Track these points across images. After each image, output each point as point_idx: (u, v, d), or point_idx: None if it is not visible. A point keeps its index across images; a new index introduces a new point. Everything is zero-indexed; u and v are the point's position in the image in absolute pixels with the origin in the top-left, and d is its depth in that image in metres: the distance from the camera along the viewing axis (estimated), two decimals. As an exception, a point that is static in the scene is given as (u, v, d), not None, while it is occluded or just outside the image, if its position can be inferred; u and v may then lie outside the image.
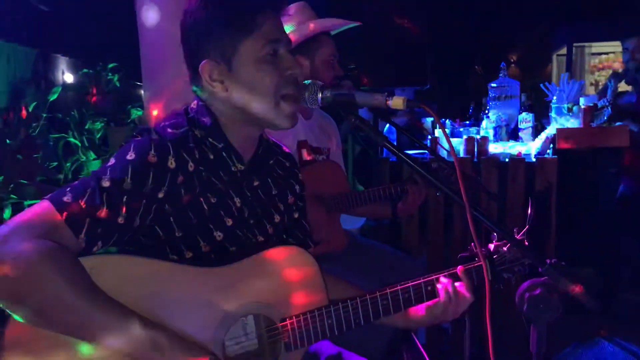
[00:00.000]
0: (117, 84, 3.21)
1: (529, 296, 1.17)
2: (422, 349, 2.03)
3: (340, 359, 1.55)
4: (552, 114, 3.13)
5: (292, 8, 2.25)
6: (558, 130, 2.92)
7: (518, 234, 1.39)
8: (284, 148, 1.53)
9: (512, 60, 8.24)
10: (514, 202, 3.01)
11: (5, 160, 2.32)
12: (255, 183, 1.37)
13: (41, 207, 1.07)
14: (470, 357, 2.42)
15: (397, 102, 1.15)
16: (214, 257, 1.28)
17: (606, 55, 8.60)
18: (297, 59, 2.20)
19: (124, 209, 1.11)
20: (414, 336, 2.17)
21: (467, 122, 3.78)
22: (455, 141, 3.35)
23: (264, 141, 1.40)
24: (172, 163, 1.18)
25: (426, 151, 3.11)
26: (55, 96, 2.77)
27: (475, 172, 3.05)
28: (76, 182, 1.13)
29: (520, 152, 3.10)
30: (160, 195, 1.17)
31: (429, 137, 3.36)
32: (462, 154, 3.14)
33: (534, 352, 1.19)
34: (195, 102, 1.31)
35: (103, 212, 1.09)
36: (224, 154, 1.29)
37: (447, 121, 4.06)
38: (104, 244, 1.10)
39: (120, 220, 1.11)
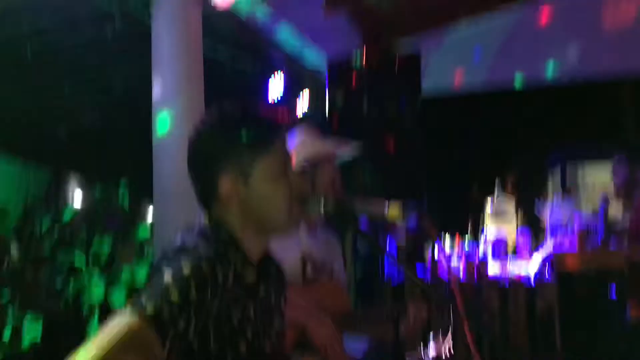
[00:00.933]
0: (127, 202, 3.32)
1: None
2: None
3: None
4: (547, 233, 3.20)
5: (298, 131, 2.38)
6: (555, 256, 2.98)
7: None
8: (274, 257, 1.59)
9: (508, 178, 8.44)
10: (517, 325, 2.99)
11: (14, 273, 2.36)
12: (262, 293, 1.40)
13: (126, 320, 1.07)
14: None
15: (392, 212, 1.22)
16: None
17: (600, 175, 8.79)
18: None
19: (194, 320, 1.14)
20: None
21: (467, 242, 3.83)
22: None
23: (268, 251, 1.45)
24: (219, 276, 1.20)
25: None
26: (68, 218, 2.87)
27: (476, 295, 3.06)
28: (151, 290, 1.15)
29: (520, 276, 3.12)
30: (215, 310, 1.20)
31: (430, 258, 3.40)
32: (462, 276, 3.17)
33: None
34: (206, 218, 1.34)
35: (181, 324, 1.11)
36: (241, 269, 1.33)
37: (447, 235, 4.07)
38: (177, 355, 1.12)
39: (191, 331, 1.14)
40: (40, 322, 2.55)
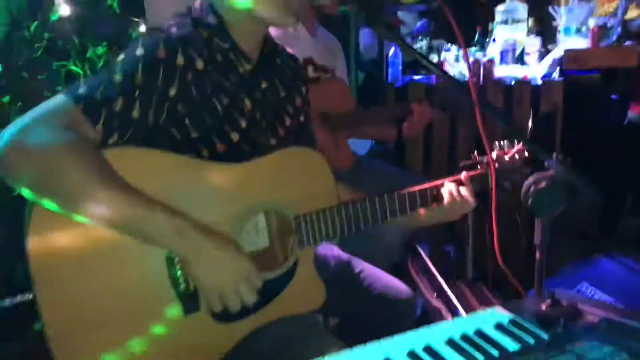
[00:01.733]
0: (117, 10, 3.14)
1: (534, 189, 1.19)
2: (427, 259, 2.08)
3: (349, 266, 1.60)
4: (560, 35, 3.07)
5: None
6: (566, 51, 2.88)
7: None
8: (288, 49, 1.52)
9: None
10: (520, 125, 3.00)
11: (12, 76, 2.31)
12: (264, 84, 1.37)
13: (58, 100, 1.08)
14: (473, 278, 2.49)
15: None
16: (230, 157, 1.29)
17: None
18: None
19: (138, 103, 1.12)
20: (418, 248, 2.23)
21: (474, 48, 3.72)
22: (460, 66, 3.31)
23: (270, 41, 1.38)
24: (180, 60, 1.18)
25: (431, 75, 3.09)
26: (56, 15, 2.72)
27: (481, 95, 3.02)
28: (89, 78, 1.14)
29: (526, 76, 3.06)
30: (172, 92, 1.17)
31: (436, 60, 3.32)
32: (467, 77, 3.10)
33: (538, 244, 1.22)
34: (199, 2, 1.29)
35: (118, 105, 1.10)
36: (231, 55, 1.28)
37: (454, 46, 3.99)
38: (119, 136, 1.12)
39: (135, 114, 1.12)
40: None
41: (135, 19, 3.04)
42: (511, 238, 2.78)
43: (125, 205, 1.03)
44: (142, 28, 3.09)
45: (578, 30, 2.97)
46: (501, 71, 3.20)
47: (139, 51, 1.15)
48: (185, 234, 1.07)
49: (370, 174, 2.33)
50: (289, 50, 1.55)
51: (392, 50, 3.28)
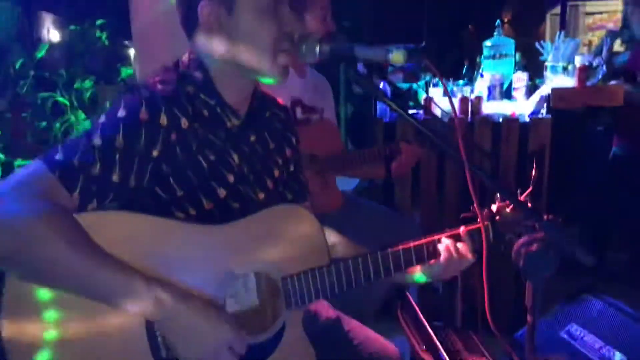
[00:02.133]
0: (106, 42, 3.14)
1: (525, 252, 1.18)
2: (417, 308, 2.06)
3: (338, 324, 1.57)
4: (547, 73, 3.10)
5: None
6: (553, 89, 2.91)
7: (521, 195, 1.38)
8: (279, 100, 1.51)
9: (505, 19, 8.14)
10: (507, 162, 3.01)
11: (-6, 119, 2.28)
12: (252, 138, 1.35)
13: (34, 167, 1.06)
14: (462, 315, 2.46)
15: (397, 56, 1.12)
16: (219, 214, 1.27)
17: (600, 15, 8.50)
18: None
19: (118, 167, 1.10)
20: (408, 295, 2.20)
21: (461, 81, 3.75)
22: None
23: (259, 94, 1.37)
24: (164, 120, 1.16)
25: (420, 111, 3.10)
26: (42, 53, 2.70)
27: (468, 132, 3.04)
28: (67, 141, 1.12)
29: (514, 112, 3.08)
30: (155, 153, 1.15)
31: (424, 96, 3.34)
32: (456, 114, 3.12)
33: (529, 306, 1.20)
34: (187, 55, 1.28)
35: (96, 170, 1.07)
36: (218, 110, 1.27)
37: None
38: (99, 202, 1.09)
39: (115, 178, 1.10)
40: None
41: (124, 54, 3.05)
42: (500, 273, 2.77)
43: (101, 277, 1.01)
44: (131, 58, 3.09)
45: (564, 69, 3.01)
46: (489, 108, 3.22)
47: (121, 113, 1.13)
48: (163, 303, 1.05)
49: (358, 215, 2.31)
50: (278, 96, 1.54)
51: (380, 85, 3.28)
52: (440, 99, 3.46)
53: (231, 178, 1.28)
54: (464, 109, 3.10)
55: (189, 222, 1.21)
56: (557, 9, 8.59)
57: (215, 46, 1.23)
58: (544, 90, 3.04)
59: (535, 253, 1.19)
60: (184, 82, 1.23)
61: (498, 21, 3.74)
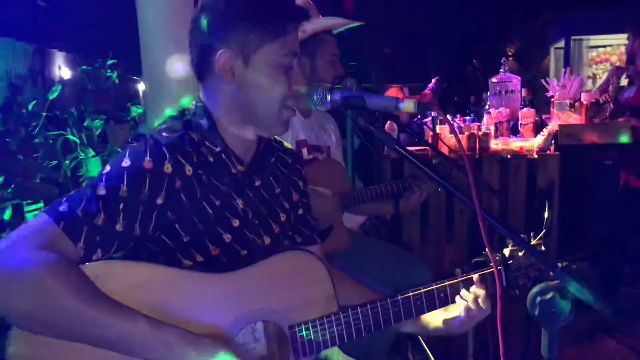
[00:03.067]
0: (117, 80, 3.18)
1: (540, 300, 1.16)
2: (427, 349, 2.03)
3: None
4: (555, 110, 3.12)
5: (298, 1, 2.23)
6: (560, 126, 2.92)
7: (534, 238, 1.36)
8: (285, 144, 1.51)
9: (509, 54, 8.23)
10: (516, 199, 3.01)
11: (6, 160, 2.30)
12: (257, 183, 1.36)
13: (38, 220, 1.07)
14: (474, 356, 2.42)
15: (407, 106, 1.13)
16: (226, 260, 1.27)
17: (604, 49, 8.59)
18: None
19: (122, 216, 1.10)
20: (418, 336, 2.17)
21: (468, 117, 3.77)
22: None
23: (264, 140, 1.38)
24: (168, 168, 1.17)
25: (427, 148, 3.10)
26: (55, 95, 2.74)
27: (476, 169, 3.04)
28: (72, 192, 1.13)
29: (522, 148, 3.09)
30: (160, 201, 1.16)
31: (431, 133, 3.35)
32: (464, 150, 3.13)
33: (546, 357, 1.18)
34: (194, 103, 1.30)
35: (100, 220, 1.08)
36: (223, 157, 1.28)
37: (448, 117, 4.04)
38: (104, 252, 1.10)
39: (119, 227, 1.10)
40: (41, 204, 2.54)
41: (135, 93, 3.10)
42: (511, 313, 2.73)
43: (107, 324, 1.01)
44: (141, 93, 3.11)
45: (571, 105, 3.02)
46: (496, 144, 3.23)
47: (125, 162, 1.14)
48: (172, 346, 1.04)
49: (366, 254, 2.29)
50: (283, 139, 1.55)
51: (387, 122, 3.30)
52: (447, 135, 3.48)
53: (236, 223, 1.29)
54: (471, 146, 3.11)
55: (195, 270, 1.20)
56: (561, 43, 8.68)
57: (224, 94, 1.26)
58: (552, 126, 3.05)
59: (550, 302, 1.17)
60: (189, 129, 1.25)
61: (504, 58, 3.79)
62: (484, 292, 1.33)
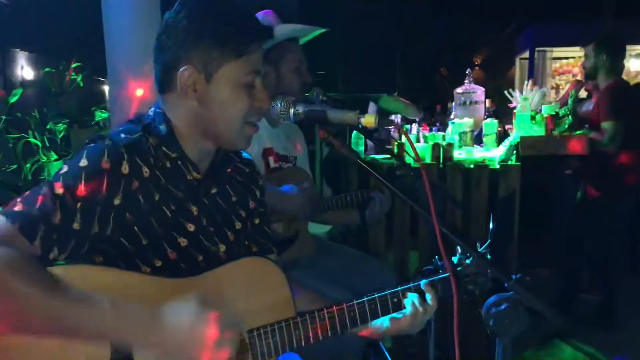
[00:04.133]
0: (81, 84, 3.13)
1: (495, 311, 1.20)
2: (388, 356, 2.05)
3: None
4: (516, 122, 3.20)
5: (258, 16, 2.24)
6: (522, 138, 2.99)
7: (481, 247, 1.41)
8: (243, 154, 1.52)
9: (476, 63, 8.39)
10: (478, 208, 3.07)
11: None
12: (214, 191, 1.38)
13: None
14: (435, 360, 2.45)
15: (369, 120, 1.16)
16: (184, 265, 1.28)
17: (566, 60, 8.83)
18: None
19: (79, 215, 1.12)
20: (380, 343, 2.20)
21: (434, 127, 3.83)
22: (421, 146, 3.39)
23: (221, 151, 1.40)
24: (125, 169, 1.18)
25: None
26: (16, 98, 2.68)
27: (440, 178, 3.10)
28: (28, 192, 1.14)
29: (484, 159, 3.16)
30: (117, 202, 1.17)
31: (396, 142, 3.40)
32: (428, 160, 3.19)
33: (499, 365, 1.22)
34: (152, 109, 1.31)
35: (57, 218, 1.09)
36: (179, 163, 1.29)
37: (414, 125, 4.11)
38: (60, 250, 1.10)
39: (76, 226, 1.11)
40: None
41: (100, 97, 3.04)
42: (471, 321, 2.78)
43: (75, 312, 1.03)
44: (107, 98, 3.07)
45: (532, 118, 3.10)
46: (460, 154, 3.29)
47: (83, 162, 1.15)
48: (144, 323, 1.09)
49: (331, 260, 2.31)
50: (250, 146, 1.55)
51: (354, 132, 3.33)
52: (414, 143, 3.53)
53: (191, 227, 1.30)
54: (435, 155, 3.16)
55: (153, 275, 1.22)
56: (526, 53, 8.89)
57: (186, 109, 1.28)
58: (513, 138, 3.12)
59: (503, 312, 1.21)
60: (147, 133, 1.26)
61: (469, 69, 3.86)
62: (433, 292, 1.36)
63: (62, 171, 1.15)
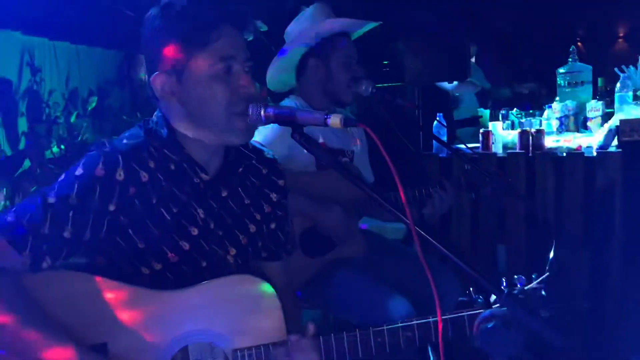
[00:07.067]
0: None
1: (480, 329, 1.07)
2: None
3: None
4: (616, 104, 2.82)
5: (310, 8, 2.21)
6: (621, 121, 2.64)
7: (535, 280, 1.22)
8: (265, 153, 1.49)
9: (577, 41, 7.32)
10: (572, 200, 2.78)
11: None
12: (224, 194, 1.36)
13: None
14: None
15: (334, 122, 1.11)
16: (185, 269, 1.30)
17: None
18: (311, 62, 2.14)
19: (70, 224, 1.16)
20: None
21: (530, 111, 3.52)
22: (514, 134, 3.13)
23: (232, 149, 1.38)
24: (120, 175, 1.21)
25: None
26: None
27: (528, 168, 2.85)
28: (22, 201, 1.20)
29: (580, 146, 2.84)
30: (112, 207, 1.21)
31: (482, 130, 3.18)
32: (517, 149, 2.95)
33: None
34: (156, 113, 1.34)
35: (46, 228, 1.14)
36: (185, 166, 1.29)
37: (514, 110, 3.82)
38: (53, 259, 1.16)
39: (67, 234, 1.16)
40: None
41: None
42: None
43: (35, 338, 1.08)
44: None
45: (636, 97, 2.71)
46: (556, 141, 2.99)
47: (78, 171, 1.20)
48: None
49: (389, 262, 2.23)
50: None
51: (435, 122, 3.17)
52: (502, 131, 3.28)
53: (195, 231, 1.30)
54: (524, 143, 2.91)
55: (153, 277, 1.25)
56: None
57: (175, 112, 1.28)
58: (614, 121, 2.76)
59: (491, 330, 1.08)
60: (150, 136, 1.29)
61: (573, 46, 3.48)
62: None
63: (59, 180, 1.21)
